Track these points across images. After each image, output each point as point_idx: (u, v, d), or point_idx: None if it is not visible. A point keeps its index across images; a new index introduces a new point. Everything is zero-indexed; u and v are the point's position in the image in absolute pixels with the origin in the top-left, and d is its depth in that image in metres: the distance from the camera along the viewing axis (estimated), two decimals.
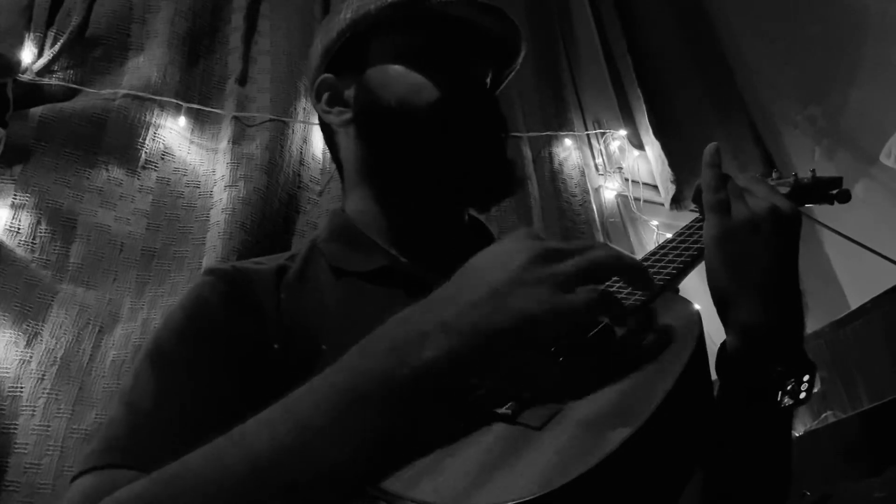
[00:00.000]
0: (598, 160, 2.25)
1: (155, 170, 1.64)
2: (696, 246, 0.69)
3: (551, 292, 0.49)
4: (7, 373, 1.33)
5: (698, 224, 0.73)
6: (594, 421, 0.47)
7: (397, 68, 0.79)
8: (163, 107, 1.68)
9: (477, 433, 0.48)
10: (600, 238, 2.03)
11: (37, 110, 1.55)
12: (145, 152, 1.63)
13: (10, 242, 1.43)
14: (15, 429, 1.29)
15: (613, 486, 0.43)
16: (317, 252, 0.79)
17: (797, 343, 0.68)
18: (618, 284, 0.62)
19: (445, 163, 0.77)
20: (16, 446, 1.28)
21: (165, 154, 1.66)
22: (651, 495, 0.47)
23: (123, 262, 1.52)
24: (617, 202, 2.19)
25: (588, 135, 2.27)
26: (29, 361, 1.35)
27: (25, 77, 1.57)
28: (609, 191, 2.20)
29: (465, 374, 0.50)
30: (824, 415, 1.46)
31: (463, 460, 0.46)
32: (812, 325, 0.70)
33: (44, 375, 1.35)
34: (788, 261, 0.67)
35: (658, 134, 2.25)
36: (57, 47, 1.61)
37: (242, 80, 1.80)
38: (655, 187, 2.29)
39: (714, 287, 0.67)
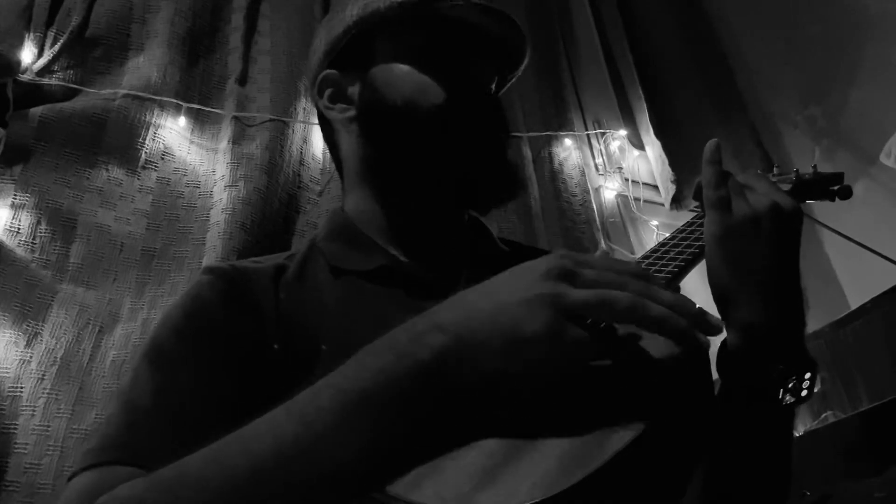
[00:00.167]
0: (598, 160, 2.25)
1: (155, 170, 1.64)
2: (696, 244, 0.69)
3: (554, 316, 0.48)
4: (7, 373, 1.33)
5: (699, 221, 0.73)
6: (596, 424, 0.46)
7: (403, 68, 0.79)
8: (163, 107, 1.67)
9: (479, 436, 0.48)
10: (600, 238, 2.03)
11: (37, 110, 1.54)
12: (145, 152, 1.63)
13: (10, 242, 1.43)
14: (15, 429, 1.29)
15: (616, 489, 0.43)
16: (316, 251, 0.79)
17: (798, 341, 0.68)
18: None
19: (448, 165, 0.77)
20: (16, 446, 1.28)
21: (165, 154, 1.66)
22: (653, 497, 0.47)
23: (123, 262, 1.52)
24: (617, 202, 2.19)
25: (588, 135, 2.27)
26: (29, 361, 1.35)
27: (25, 77, 1.56)
28: (609, 191, 2.20)
29: (459, 379, 0.50)
30: (824, 415, 1.46)
31: (465, 463, 0.45)
32: (812, 325, 0.70)
33: (44, 375, 1.35)
34: (789, 258, 0.67)
35: (658, 134, 2.25)
36: (57, 47, 1.61)
37: (242, 80, 1.80)
38: (655, 187, 2.29)
39: (715, 284, 0.67)
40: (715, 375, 0.69)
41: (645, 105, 2.30)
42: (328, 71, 0.83)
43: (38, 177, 1.50)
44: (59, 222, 1.49)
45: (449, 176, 0.77)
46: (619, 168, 2.24)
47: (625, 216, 2.18)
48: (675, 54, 2.49)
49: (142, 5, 1.78)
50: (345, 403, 0.49)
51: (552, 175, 2.10)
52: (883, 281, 1.44)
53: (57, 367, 1.36)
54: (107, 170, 1.58)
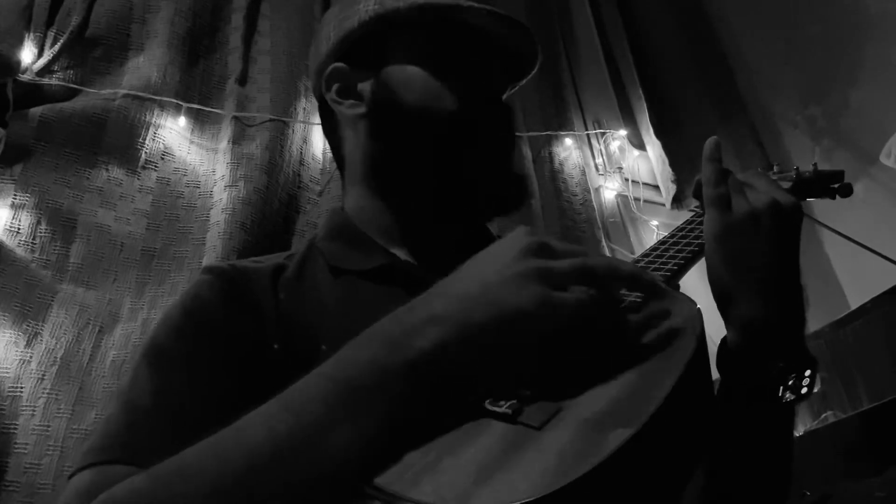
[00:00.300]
0: (598, 160, 2.25)
1: (155, 170, 1.64)
2: (696, 242, 0.69)
3: (541, 287, 0.50)
4: (7, 373, 1.33)
5: (698, 219, 0.73)
6: (595, 421, 0.46)
7: (418, 71, 0.78)
8: (163, 107, 1.67)
9: (477, 433, 0.48)
10: (601, 237, 2.03)
11: (37, 110, 1.55)
12: (145, 152, 1.63)
13: (10, 242, 1.43)
14: (15, 429, 1.29)
15: (615, 487, 0.43)
16: (315, 251, 0.79)
17: (798, 338, 0.68)
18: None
19: (457, 173, 0.77)
20: (16, 446, 1.28)
21: (165, 154, 1.66)
22: (653, 495, 0.47)
23: (123, 262, 1.52)
24: (617, 202, 2.19)
25: (588, 135, 2.27)
26: (29, 361, 1.35)
27: (25, 77, 1.57)
28: (609, 191, 2.21)
29: (458, 366, 0.50)
30: (824, 415, 1.45)
31: (463, 460, 0.45)
32: (812, 325, 0.70)
33: (44, 375, 1.35)
34: (789, 255, 0.67)
35: (658, 133, 2.25)
36: (57, 47, 1.61)
37: (242, 80, 1.80)
38: (655, 187, 2.29)
39: (714, 282, 0.67)
40: (715, 374, 0.69)
41: (645, 105, 2.30)
42: (338, 64, 0.82)
43: (38, 177, 1.50)
44: (59, 222, 1.49)
45: (458, 184, 0.77)
46: (619, 168, 2.24)
47: (625, 216, 2.18)
48: (675, 54, 2.49)
49: (142, 5, 1.78)
50: (335, 395, 0.49)
51: (552, 175, 2.10)
52: (883, 281, 1.44)
53: (57, 367, 1.37)
54: (107, 170, 1.58)
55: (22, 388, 1.33)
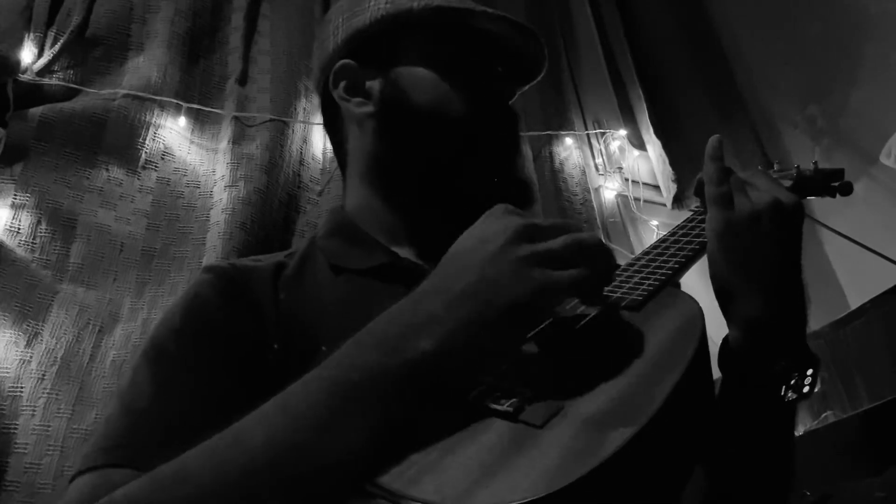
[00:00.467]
0: (598, 160, 2.25)
1: (155, 170, 1.64)
2: (697, 240, 0.69)
3: (538, 271, 0.50)
4: (7, 373, 1.33)
5: (699, 218, 0.73)
6: (596, 420, 0.46)
7: (428, 73, 0.78)
8: (163, 107, 1.67)
9: (478, 431, 0.48)
10: (600, 237, 2.03)
11: (37, 110, 1.54)
12: (145, 152, 1.63)
13: (10, 242, 1.43)
14: (15, 429, 1.29)
15: (616, 486, 0.43)
16: (316, 249, 0.79)
17: (800, 337, 0.68)
18: (619, 279, 0.63)
19: (462, 176, 0.77)
20: (16, 446, 1.28)
21: (165, 154, 1.66)
22: (653, 493, 0.47)
23: (123, 262, 1.52)
24: (617, 202, 2.19)
25: (588, 134, 2.27)
26: (29, 361, 1.35)
27: (25, 77, 1.56)
28: (609, 191, 2.20)
29: (461, 366, 0.50)
30: (824, 415, 1.45)
31: (465, 459, 0.45)
32: (812, 325, 0.70)
33: (44, 375, 1.35)
34: (791, 254, 0.67)
35: (659, 133, 2.25)
36: (57, 47, 1.61)
37: (242, 80, 1.80)
38: (655, 187, 2.29)
39: (716, 281, 0.67)
40: (716, 372, 0.69)
41: (645, 105, 2.30)
42: (346, 61, 0.81)
43: (38, 177, 1.50)
44: (59, 222, 1.49)
45: (461, 186, 0.77)
46: (619, 168, 2.24)
47: (625, 216, 2.18)
48: (675, 54, 2.49)
49: (142, 5, 1.78)
50: (335, 395, 0.49)
51: (552, 174, 2.10)
52: (883, 281, 1.44)
53: (57, 367, 1.36)
54: (107, 170, 1.58)
55: (22, 388, 1.33)
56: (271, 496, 0.47)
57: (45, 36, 1.62)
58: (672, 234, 0.73)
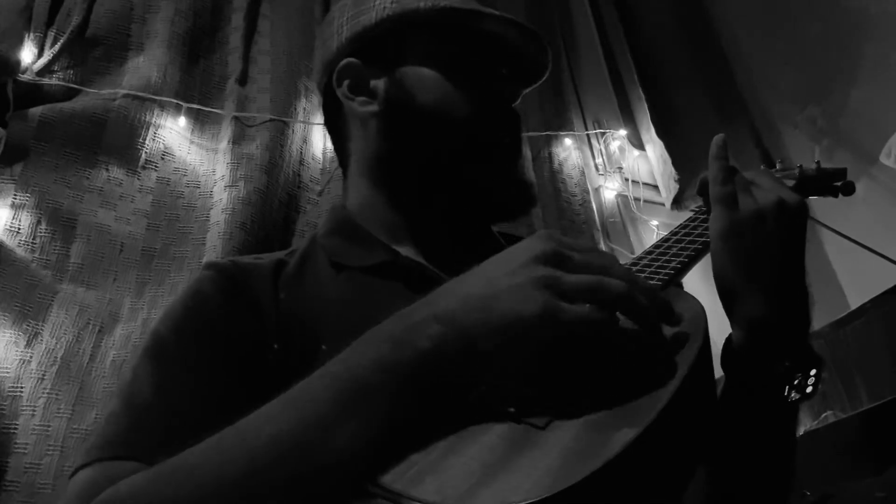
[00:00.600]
0: (598, 160, 2.25)
1: (155, 170, 1.64)
2: (700, 240, 0.69)
3: (546, 296, 0.49)
4: (7, 373, 1.33)
5: (702, 217, 0.73)
6: (599, 420, 0.46)
7: (434, 74, 0.78)
8: (163, 107, 1.67)
9: (480, 431, 0.48)
10: (600, 238, 2.03)
11: (37, 110, 1.54)
12: (145, 152, 1.63)
13: (10, 242, 1.43)
14: (15, 429, 1.29)
15: (618, 487, 0.43)
16: (316, 247, 0.79)
17: (804, 337, 0.67)
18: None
19: (465, 177, 0.77)
20: (16, 446, 1.28)
21: (165, 154, 1.66)
22: (656, 494, 0.47)
23: (123, 262, 1.52)
24: (617, 202, 2.19)
25: (588, 135, 2.27)
26: (29, 361, 1.35)
27: (25, 77, 1.56)
28: (609, 191, 2.20)
29: (457, 367, 0.50)
30: (824, 415, 1.45)
31: (466, 459, 0.45)
32: (812, 325, 0.70)
33: (44, 375, 1.35)
34: (795, 254, 0.67)
35: (661, 133, 2.25)
36: (57, 47, 1.61)
37: (242, 80, 1.79)
38: (655, 187, 2.29)
39: (720, 280, 0.67)
40: (718, 372, 0.69)
41: (646, 105, 2.30)
42: (351, 59, 0.81)
43: (38, 177, 1.50)
44: (59, 222, 1.49)
45: (464, 187, 0.77)
46: (619, 168, 2.24)
47: (625, 216, 2.18)
48: (675, 54, 2.49)
49: (142, 5, 1.77)
50: (340, 393, 0.49)
51: (551, 175, 2.10)
52: (883, 281, 1.44)
53: (57, 367, 1.36)
54: (107, 170, 1.58)
55: (22, 388, 1.33)
56: (275, 491, 0.47)
57: (45, 36, 1.62)
58: (674, 233, 0.72)
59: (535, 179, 1.96)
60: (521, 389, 0.51)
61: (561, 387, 0.51)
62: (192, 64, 1.78)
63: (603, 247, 2.03)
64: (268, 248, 1.57)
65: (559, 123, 2.19)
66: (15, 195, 1.46)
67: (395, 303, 0.54)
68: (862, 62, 2.08)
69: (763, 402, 0.67)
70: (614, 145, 2.28)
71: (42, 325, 1.39)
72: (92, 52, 1.68)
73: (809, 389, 0.66)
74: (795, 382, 0.66)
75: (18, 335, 1.36)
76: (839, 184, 0.82)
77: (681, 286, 0.66)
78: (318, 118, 1.83)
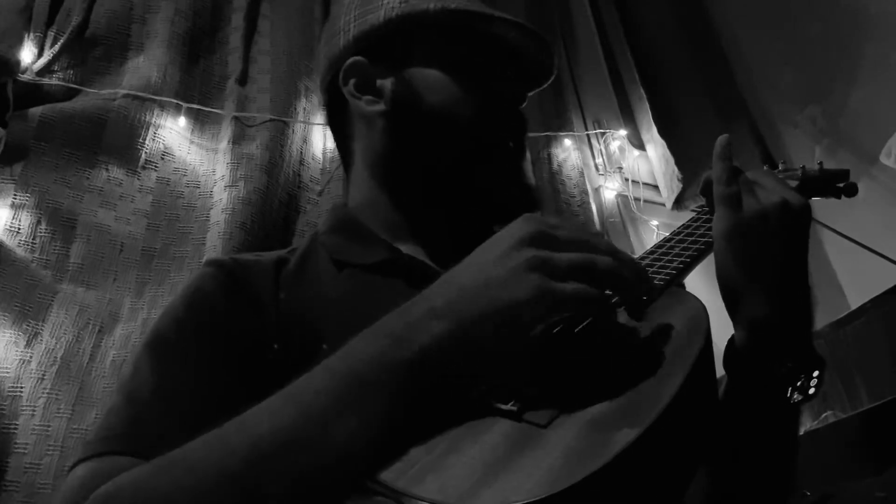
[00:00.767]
0: (598, 160, 2.25)
1: (155, 170, 1.64)
2: (703, 240, 0.69)
3: (537, 277, 0.50)
4: (7, 373, 1.33)
5: (704, 217, 0.72)
6: (601, 420, 0.46)
7: (441, 75, 0.78)
8: (163, 107, 1.67)
9: (482, 430, 0.48)
10: None
11: (37, 110, 1.54)
12: (145, 152, 1.63)
13: (10, 242, 1.43)
14: (15, 429, 1.29)
15: (620, 486, 0.43)
16: (317, 245, 0.79)
17: (806, 338, 0.68)
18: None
19: (470, 179, 0.77)
20: (16, 446, 1.28)
21: (165, 154, 1.66)
22: (657, 493, 0.47)
23: (123, 262, 1.52)
24: (617, 202, 2.19)
25: (588, 135, 2.27)
26: (29, 361, 1.35)
27: (25, 77, 1.56)
28: (609, 191, 2.20)
29: (457, 361, 0.50)
30: (824, 415, 1.45)
31: (468, 458, 0.45)
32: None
33: (44, 375, 1.35)
34: (798, 254, 0.67)
35: (662, 133, 2.25)
36: (57, 47, 1.61)
37: (242, 80, 1.80)
38: (655, 187, 2.29)
39: (723, 281, 0.67)
40: (720, 372, 0.69)
41: (647, 104, 2.30)
42: (358, 58, 0.81)
43: (38, 177, 1.50)
44: (59, 222, 1.49)
45: (469, 188, 0.77)
46: (619, 168, 2.24)
47: (625, 216, 2.18)
48: (675, 54, 2.49)
49: (142, 5, 1.78)
50: (340, 387, 0.49)
51: (550, 176, 2.10)
52: (883, 281, 1.44)
53: (57, 367, 1.36)
54: (107, 170, 1.58)
55: (22, 388, 1.33)
56: (275, 486, 0.47)
57: (45, 36, 1.62)
58: (676, 233, 0.72)
59: (536, 184, 1.97)
60: (522, 388, 0.51)
61: (562, 386, 0.51)
62: (192, 64, 1.78)
63: None
64: (268, 247, 1.56)
65: (559, 124, 2.19)
66: (15, 195, 1.46)
67: (396, 301, 0.54)
68: (862, 62, 2.08)
69: (765, 402, 0.67)
70: (614, 145, 2.28)
71: (42, 325, 1.39)
72: (92, 52, 1.68)
73: (812, 391, 0.66)
74: (798, 383, 0.65)
75: (18, 335, 1.36)
76: (842, 185, 0.82)
77: (683, 286, 0.66)
78: (319, 118, 1.83)
